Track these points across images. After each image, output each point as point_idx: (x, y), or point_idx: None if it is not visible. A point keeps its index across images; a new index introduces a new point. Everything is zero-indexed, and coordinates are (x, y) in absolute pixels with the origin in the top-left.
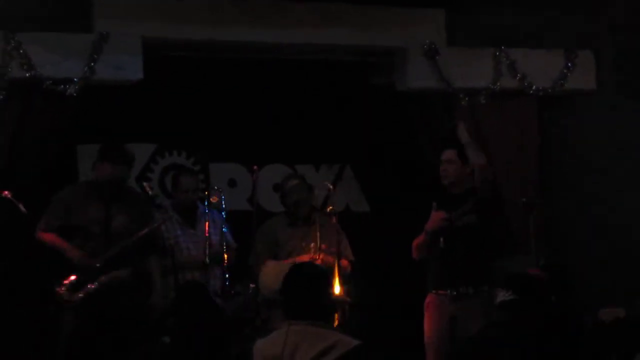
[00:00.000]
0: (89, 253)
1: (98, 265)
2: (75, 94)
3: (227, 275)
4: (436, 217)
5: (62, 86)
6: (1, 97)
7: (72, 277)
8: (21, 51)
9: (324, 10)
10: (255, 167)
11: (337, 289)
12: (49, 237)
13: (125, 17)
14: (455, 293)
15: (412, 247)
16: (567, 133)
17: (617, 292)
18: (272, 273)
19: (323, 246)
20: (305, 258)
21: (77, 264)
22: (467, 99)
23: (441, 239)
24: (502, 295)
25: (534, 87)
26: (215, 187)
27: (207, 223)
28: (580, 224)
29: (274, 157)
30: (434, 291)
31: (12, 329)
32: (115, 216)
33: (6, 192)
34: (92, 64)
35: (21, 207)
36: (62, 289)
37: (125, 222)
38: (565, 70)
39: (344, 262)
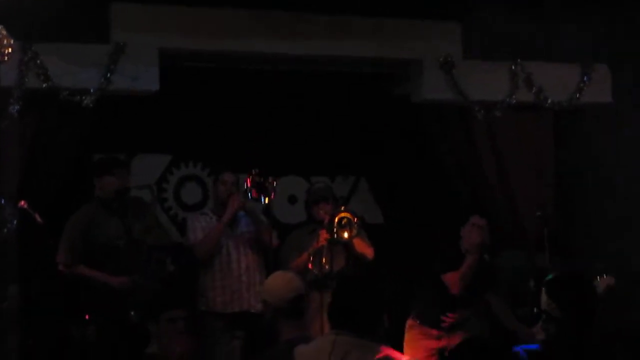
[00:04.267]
0: (122, 269)
1: (140, 280)
2: (91, 105)
3: None
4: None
5: (79, 97)
6: (18, 107)
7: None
8: (38, 62)
9: (340, 22)
10: (270, 179)
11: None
12: (80, 272)
13: (141, 28)
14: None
15: (452, 283)
16: (583, 146)
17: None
18: (280, 282)
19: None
20: (301, 260)
21: (122, 289)
22: (482, 112)
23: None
24: (546, 305)
25: (550, 101)
26: None
27: None
28: (597, 237)
29: (290, 168)
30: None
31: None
32: (133, 225)
33: (22, 202)
34: (109, 74)
35: (37, 217)
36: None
37: (142, 229)
38: (581, 84)
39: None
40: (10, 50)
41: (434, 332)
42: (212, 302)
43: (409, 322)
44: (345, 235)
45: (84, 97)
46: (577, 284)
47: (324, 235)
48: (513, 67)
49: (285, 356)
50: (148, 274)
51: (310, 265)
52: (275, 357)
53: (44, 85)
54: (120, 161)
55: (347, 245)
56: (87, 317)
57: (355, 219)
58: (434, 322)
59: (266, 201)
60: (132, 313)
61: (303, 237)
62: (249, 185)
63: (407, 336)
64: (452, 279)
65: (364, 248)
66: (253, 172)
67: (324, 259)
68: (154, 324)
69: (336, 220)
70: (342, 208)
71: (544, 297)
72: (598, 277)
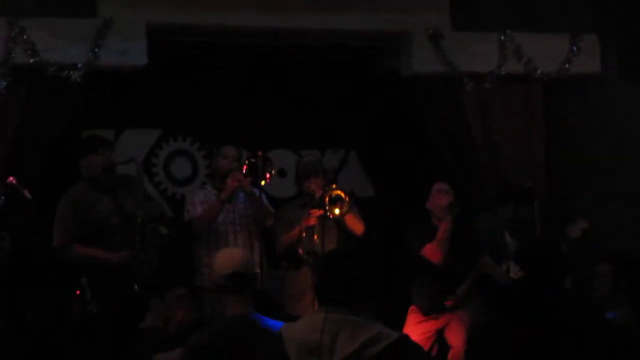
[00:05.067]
0: (117, 246)
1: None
2: (79, 80)
3: None
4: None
5: (67, 72)
6: (5, 83)
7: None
8: (25, 37)
9: None
10: (259, 153)
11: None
12: (78, 250)
13: (129, 2)
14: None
15: (431, 253)
16: (573, 116)
17: None
18: (220, 259)
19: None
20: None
21: (121, 264)
22: (472, 83)
23: None
24: (514, 271)
25: (539, 71)
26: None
27: None
28: (585, 207)
29: (279, 142)
30: (415, 310)
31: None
32: (124, 202)
33: (11, 178)
34: (97, 49)
35: (26, 193)
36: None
37: (132, 205)
38: (570, 54)
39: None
40: None
41: (432, 312)
42: (208, 278)
43: (412, 307)
44: (337, 211)
45: (72, 72)
46: (544, 252)
47: (315, 212)
48: (502, 38)
49: (229, 330)
50: (145, 246)
51: (301, 251)
52: (218, 333)
53: (31, 61)
54: (103, 139)
55: (338, 220)
56: (77, 292)
57: (347, 197)
58: (433, 307)
59: (263, 182)
60: (136, 287)
61: (293, 211)
62: (245, 171)
63: (408, 318)
64: (430, 250)
65: (355, 223)
66: (250, 157)
67: (315, 236)
68: (155, 298)
69: (327, 196)
70: (334, 186)
71: (512, 265)
72: (573, 222)
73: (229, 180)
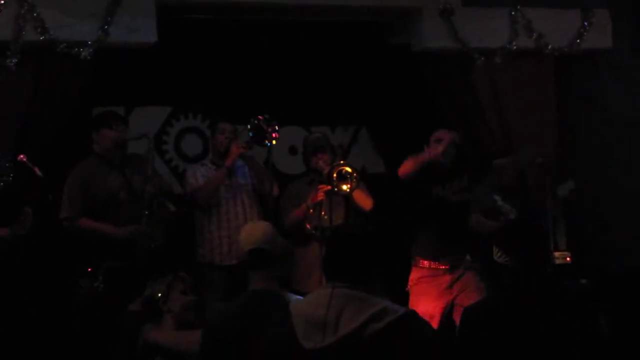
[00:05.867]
0: (124, 221)
1: (147, 229)
2: (89, 57)
3: None
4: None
5: (76, 49)
6: (15, 60)
7: None
8: (35, 14)
9: None
10: (270, 129)
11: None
12: (84, 224)
13: None
14: (450, 265)
15: (404, 166)
16: (584, 92)
17: (633, 250)
18: (243, 233)
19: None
20: (299, 211)
21: (126, 239)
22: (482, 58)
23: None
24: (497, 256)
25: (550, 47)
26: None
27: None
28: (597, 183)
29: (290, 119)
30: (425, 265)
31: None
32: (132, 178)
33: (22, 156)
34: (106, 26)
35: (37, 170)
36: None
37: (141, 181)
38: (581, 29)
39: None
40: (2, 1)
41: (441, 266)
42: (211, 255)
43: (413, 274)
44: (345, 187)
45: (81, 50)
46: (526, 231)
47: (323, 188)
48: (513, 13)
49: (248, 306)
50: (152, 221)
51: (308, 225)
52: (236, 307)
53: (41, 38)
54: (118, 115)
55: (346, 196)
56: (89, 269)
57: (355, 173)
58: (431, 248)
59: (272, 144)
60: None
61: (301, 187)
62: (250, 131)
63: (414, 290)
64: (404, 164)
65: (364, 199)
66: (256, 119)
67: (322, 212)
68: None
69: (335, 172)
70: (342, 162)
71: (495, 249)
72: (562, 183)
73: (232, 146)
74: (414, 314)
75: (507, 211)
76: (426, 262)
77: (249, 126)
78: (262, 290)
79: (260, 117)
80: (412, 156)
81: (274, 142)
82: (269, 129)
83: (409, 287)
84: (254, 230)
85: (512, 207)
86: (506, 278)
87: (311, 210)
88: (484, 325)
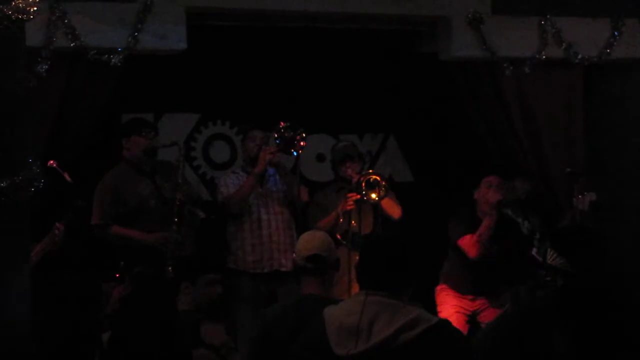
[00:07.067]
0: (154, 229)
1: (176, 236)
2: (119, 64)
3: None
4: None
5: (107, 56)
6: (46, 67)
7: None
8: (66, 21)
9: None
10: (298, 137)
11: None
12: (115, 230)
13: None
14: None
15: (468, 246)
16: (614, 102)
17: None
18: (302, 240)
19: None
20: (329, 219)
21: (158, 246)
22: (511, 68)
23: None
24: (552, 258)
25: (579, 56)
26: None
27: None
28: (627, 193)
29: (318, 126)
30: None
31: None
32: (163, 185)
33: (52, 162)
34: (136, 33)
35: (66, 176)
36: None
37: (171, 189)
38: (611, 39)
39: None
40: (35, 8)
41: (464, 294)
42: (242, 262)
43: (439, 286)
44: (374, 196)
45: (111, 56)
46: (584, 237)
47: (352, 197)
48: (542, 23)
49: (301, 308)
50: (182, 229)
51: (338, 236)
52: (291, 307)
53: (72, 45)
54: (148, 122)
55: (375, 205)
56: (117, 275)
57: (383, 181)
58: (462, 287)
59: (299, 152)
60: (170, 269)
61: (330, 196)
62: (277, 138)
63: (437, 298)
64: (467, 242)
65: (392, 208)
66: (281, 125)
67: (352, 221)
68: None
69: (364, 181)
70: (370, 170)
71: (550, 251)
72: (580, 195)
73: (262, 153)
74: (447, 323)
75: (521, 225)
76: (446, 288)
77: (275, 134)
78: (316, 295)
79: (282, 123)
80: (471, 235)
81: (300, 151)
82: (297, 137)
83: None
84: (313, 238)
85: (523, 219)
86: (559, 281)
87: (341, 220)
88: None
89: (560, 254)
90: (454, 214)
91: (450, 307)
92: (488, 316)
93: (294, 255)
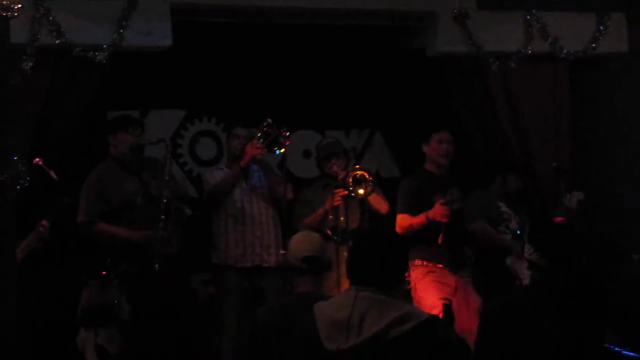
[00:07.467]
0: (140, 226)
1: (163, 233)
2: (104, 61)
3: None
4: (440, 210)
5: (92, 53)
6: (31, 64)
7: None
8: (50, 18)
9: None
10: (285, 133)
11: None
12: (101, 227)
13: None
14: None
15: (402, 224)
16: (599, 96)
17: None
18: (296, 240)
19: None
20: (315, 216)
21: (142, 242)
22: (497, 63)
23: (441, 235)
24: (529, 253)
25: (565, 51)
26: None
27: None
28: (612, 187)
29: (304, 123)
30: (418, 263)
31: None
32: (149, 182)
33: (37, 159)
34: (121, 30)
35: (52, 174)
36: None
37: (158, 186)
38: (596, 33)
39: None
40: (19, 5)
41: (439, 265)
42: (225, 256)
43: (415, 272)
44: (361, 191)
45: (97, 54)
46: (559, 231)
47: (340, 192)
48: (528, 17)
49: (298, 305)
50: (169, 226)
51: (328, 231)
52: (287, 305)
53: (56, 42)
54: (135, 119)
55: (362, 200)
56: (103, 272)
57: (370, 176)
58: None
59: (282, 151)
60: (156, 266)
61: (316, 193)
62: (260, 137)
63: (418, 285)
64: (399, 222)
65: (379, 203)
66: (265, 123)
67: (341, 217)
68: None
69: (350, 177)
70: (357, 166)
71: (527, 246)
72: (568, 194)
73: (248, 146)
74: (437, 318)
75: (508, 217)
76: (418, 261)
77: (259, 134)
78: (310, 292)
79: (265, 121)
80: (405, 212)
81: (282, 150)
82: (281, 136)
83: (411, 284)
84: (308, 239)
85: (514, 213)
86: (536, 275)
87: (330, 216)
88: (505, 324)
89: (536, 249)
90: (403, 180)
91: (436, 293)
92: (464, 307)
93: (284, 252)
